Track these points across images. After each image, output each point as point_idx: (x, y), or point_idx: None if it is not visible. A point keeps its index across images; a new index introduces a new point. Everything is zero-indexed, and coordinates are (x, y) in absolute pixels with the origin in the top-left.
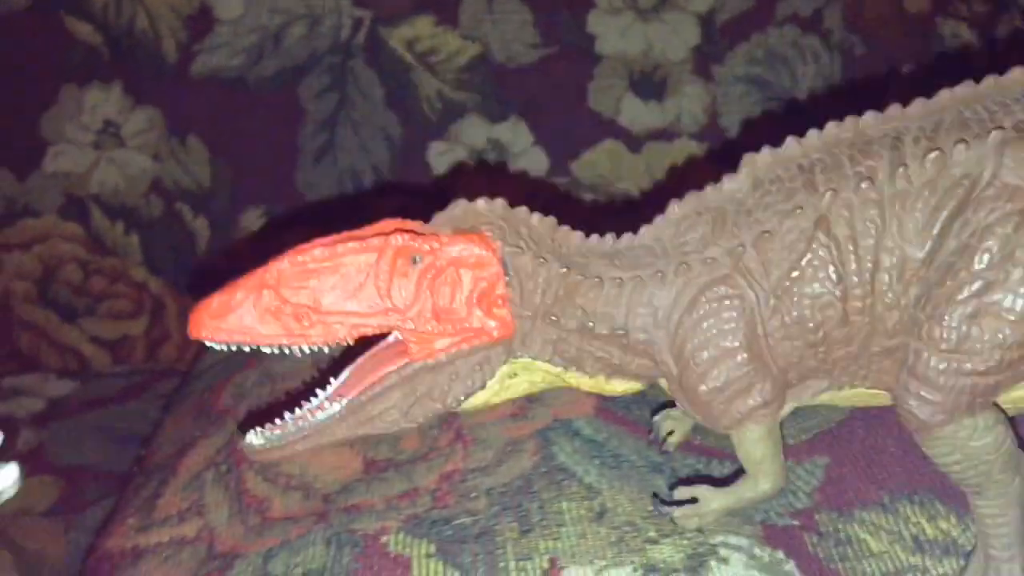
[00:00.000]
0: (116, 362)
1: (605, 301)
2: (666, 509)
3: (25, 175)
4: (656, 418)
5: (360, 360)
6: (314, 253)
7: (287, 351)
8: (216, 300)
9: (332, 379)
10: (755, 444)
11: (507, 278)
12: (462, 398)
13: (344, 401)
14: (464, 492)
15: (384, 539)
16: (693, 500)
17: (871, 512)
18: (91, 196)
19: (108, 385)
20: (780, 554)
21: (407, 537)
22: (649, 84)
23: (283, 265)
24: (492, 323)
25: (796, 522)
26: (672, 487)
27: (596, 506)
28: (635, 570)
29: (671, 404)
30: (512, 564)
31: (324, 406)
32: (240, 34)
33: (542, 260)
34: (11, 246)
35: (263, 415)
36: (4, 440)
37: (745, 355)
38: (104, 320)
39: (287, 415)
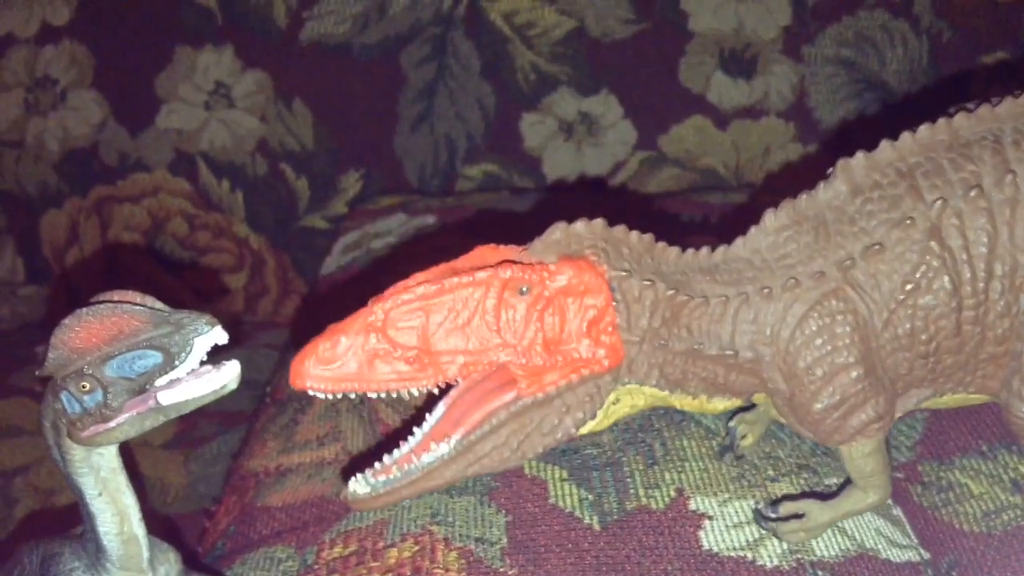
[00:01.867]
0: (215, 313)
1: (712, 320)
2: (771, 525)
3: (138, 131)
4: (731, 423)
5: (454, 394)
6: (418, 291)
7: (395, 395)
8: (320, 346)
9: (427, 414)
10: (866, 458)
11: (614, 303)
12: (573, 430)
13: (452, 441)
14: None
15: None
16: (798, 516)
17: (971, 459)
18: (200, 153)
19: None
20: (888, 501)
21: (539, 463)
22: (739, 62)
23: (387, 305)
24: (602, 352)
25: (900, 475)
26: (777, 502)
27: (715, 446)
28: (756, 503)
29: (744, 409)
30: (641, 491)
31: (429, 447)
32: (347, 2)
33: (648, 282)
34: (122, 198)
35: (363, 459)
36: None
37: (860, 371)
38: (206, 272)
39: (387, 458)
